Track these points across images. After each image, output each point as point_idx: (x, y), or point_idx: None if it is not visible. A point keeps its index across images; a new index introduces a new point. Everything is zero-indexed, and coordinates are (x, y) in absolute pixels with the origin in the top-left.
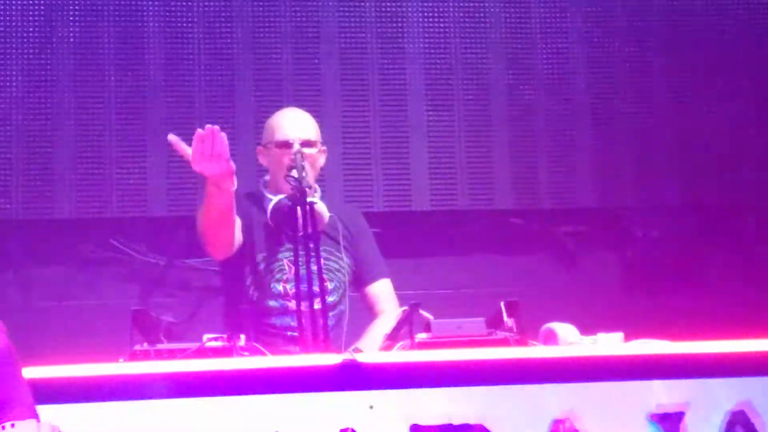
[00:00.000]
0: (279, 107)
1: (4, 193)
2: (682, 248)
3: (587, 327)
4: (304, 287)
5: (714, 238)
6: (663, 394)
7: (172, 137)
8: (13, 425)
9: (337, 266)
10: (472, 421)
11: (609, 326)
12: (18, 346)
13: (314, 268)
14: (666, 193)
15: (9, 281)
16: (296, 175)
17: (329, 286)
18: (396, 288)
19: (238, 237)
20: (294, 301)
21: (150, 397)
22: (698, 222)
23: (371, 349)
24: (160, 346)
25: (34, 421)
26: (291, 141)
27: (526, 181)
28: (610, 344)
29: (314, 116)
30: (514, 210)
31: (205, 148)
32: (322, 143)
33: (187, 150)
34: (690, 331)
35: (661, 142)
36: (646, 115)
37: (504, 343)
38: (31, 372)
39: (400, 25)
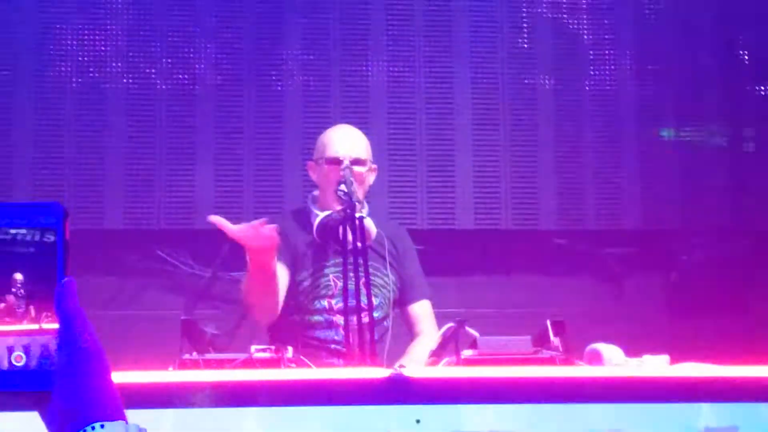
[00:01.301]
0: (326, 123)
1: None
2: (728, 271)
3: (632, 349)
4: (351, 302)
5: (760, 260)
6: (712, 417)
7: (213, 218)
8: (102, 426)
9: (382, 282)
10: None
11: (654, 348)
12: None
13: (362, 282)
14: (712, 215)
15: None
16: (345, 190)
17: (374, 301)
18: (438, 306)
19: (281, 302)
20: (339, 316)
21: (198, 406)
22: (744, 244)
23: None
24: (208, 356)
25: (122, 422)
26: (341, 159)
27: (571, 202)
28: (657, 366)
29: None
30: (559, 231)
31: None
32: (373, 161)
33: (228, 227)
34: (736, 354)
35: (707, 165)
36: (694, 137)
37: (550, 362)
38: None
39: (447, 43)
